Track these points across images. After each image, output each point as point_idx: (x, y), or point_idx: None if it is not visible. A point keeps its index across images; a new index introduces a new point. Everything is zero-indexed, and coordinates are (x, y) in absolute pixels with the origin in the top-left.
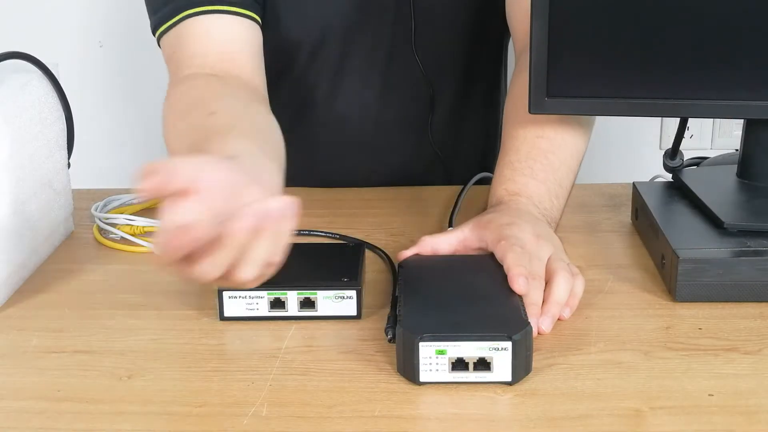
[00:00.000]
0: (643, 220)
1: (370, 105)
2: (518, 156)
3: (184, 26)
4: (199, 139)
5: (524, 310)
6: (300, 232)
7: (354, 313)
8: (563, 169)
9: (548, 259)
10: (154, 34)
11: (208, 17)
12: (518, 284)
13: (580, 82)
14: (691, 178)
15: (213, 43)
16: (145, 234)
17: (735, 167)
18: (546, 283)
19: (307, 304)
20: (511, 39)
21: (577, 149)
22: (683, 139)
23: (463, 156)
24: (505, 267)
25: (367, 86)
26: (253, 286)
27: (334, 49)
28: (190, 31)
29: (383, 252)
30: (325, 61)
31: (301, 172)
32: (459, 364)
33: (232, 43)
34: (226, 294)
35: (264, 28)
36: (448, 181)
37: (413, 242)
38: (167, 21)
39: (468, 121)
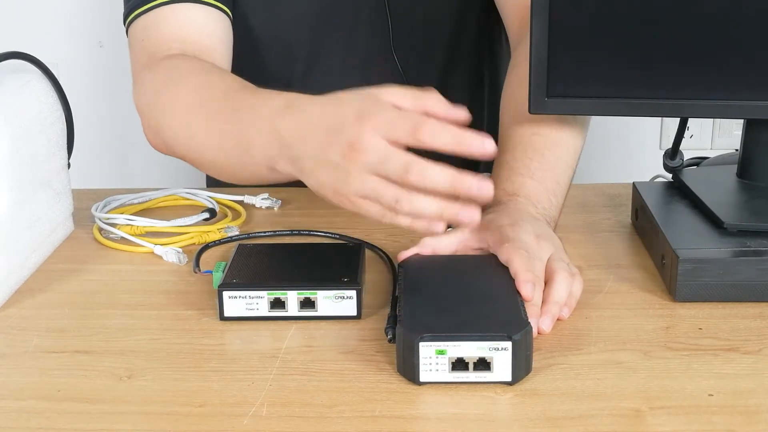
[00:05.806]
0: (643, 220)
1: None
2: (514, 155)
3: (159, 12)
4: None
5: (524, 310)
6: (300, 232)
7: (354, 313)
8: (560, 166)
9: (548, 259)
10: (125, 22)
11: (183, 6)
12: (526, 290)
13: (580, 82)
14: (691, 178)
15: (189, 32)
16: (146, 234)
17: (735, 167)
18: (545, 283)
19: (307, 304)
20: (502, 34)
21: (573, 145)
22: (683, 139)
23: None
24: (512, 271)
25: (345, 89)
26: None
27: (307, 51)
28: (166, 18)
29: (383, 252)
30: (297, 63)
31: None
32: (459, 364)
33: (207, 35)
34: (226, 294)
35: (233, 30)
36: None
37: (413, 242)
38: (142, 6)
39: None
